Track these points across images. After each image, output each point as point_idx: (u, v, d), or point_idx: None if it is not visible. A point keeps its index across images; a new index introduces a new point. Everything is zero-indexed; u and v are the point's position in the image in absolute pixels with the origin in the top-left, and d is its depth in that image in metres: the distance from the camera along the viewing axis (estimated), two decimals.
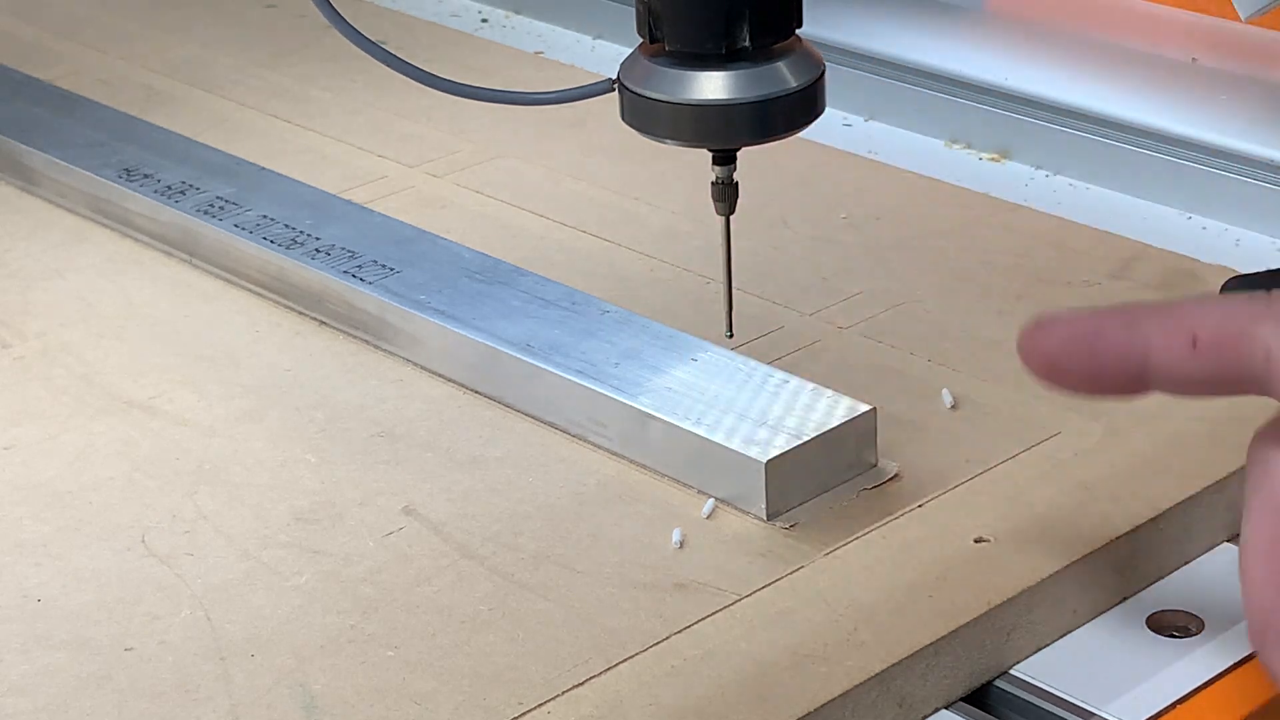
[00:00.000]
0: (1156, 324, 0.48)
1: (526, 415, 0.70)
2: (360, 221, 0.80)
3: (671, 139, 0.58)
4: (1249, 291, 0.52)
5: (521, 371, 0.69)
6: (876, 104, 0.95)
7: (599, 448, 0.68)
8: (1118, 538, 0.61)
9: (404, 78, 0.63)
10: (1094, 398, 0.50)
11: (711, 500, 0.64)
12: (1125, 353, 0.48)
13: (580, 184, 0.87)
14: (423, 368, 0.73)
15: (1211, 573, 0.62)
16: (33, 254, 0.83)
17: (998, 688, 0.59)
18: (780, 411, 0.65)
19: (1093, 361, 0.49)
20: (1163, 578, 0.62)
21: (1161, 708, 0.57)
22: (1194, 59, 0.90)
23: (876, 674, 0.56)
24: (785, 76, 0.57)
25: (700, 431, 0.64)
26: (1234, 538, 0.63)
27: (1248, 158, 0.84)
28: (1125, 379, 0.48)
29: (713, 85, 0.56)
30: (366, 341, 0.75)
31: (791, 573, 0.61)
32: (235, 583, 0.62)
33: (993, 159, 0.91)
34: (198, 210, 0.81)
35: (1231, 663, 0.59)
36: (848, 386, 0.66)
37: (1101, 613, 0.61)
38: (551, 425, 0.69)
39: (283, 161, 0.88)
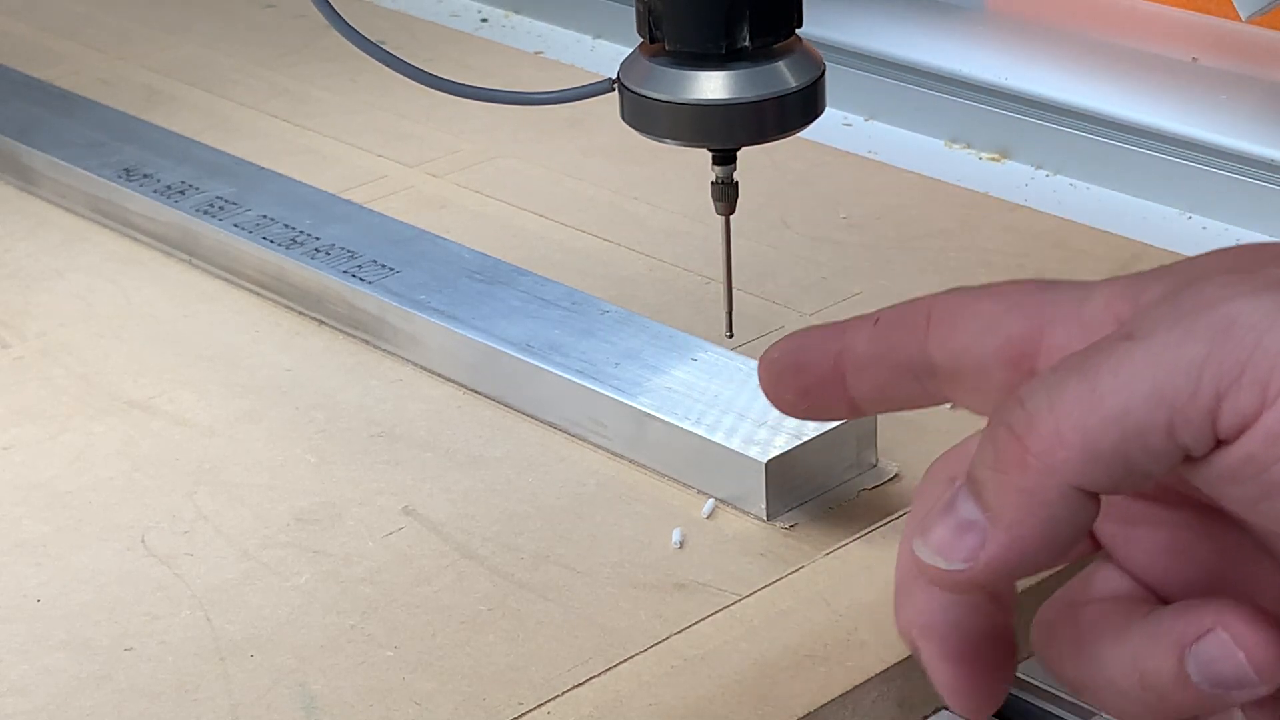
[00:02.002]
0: (856, 320, 0.48)
1: (526, 415, 0.70)
2: (360, 221, 0.80)
3: (671, 139, 0.58)
4: None
5: (521, 371, 0.69)
6: (876, 104, 0.95)
7: (599, 448, 0.68)
8: None
9: (404, 78, 0.63)
10: (813, 416, 0.50)
11: (711, 500, 0.64)
12: (824, 347, 0.48)
13: (580, 184, 0.87)
14: (423, 368, 0.73)
15: None
16: (33, 254, 0.83)
17: None
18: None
19: (799, 368, 0.49)
20: None
21: None
22: (1194, 59, 0.90)
23: (876, 674, 0.56)
24: (785, 76, 0.57)
25: (700, 431, 0.64)
26: None
27: (1248, 158, 0.84)
28: (827, 379, 0.48)
29: (713, 85, 0.56)
30: (366, 341, 0.75)
31: (791, 573, 0.61)
32: (235, 583, 0.62)
33: (993, 159, 0.91)
34: (197, 210, 0.81)
35: None
36: None
37: None
38: (551, 425, 0.69)
39: (283, 161, 0.88)
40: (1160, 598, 0.45)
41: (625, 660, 0.57)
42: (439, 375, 0.72)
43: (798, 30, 0.58)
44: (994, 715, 0.59)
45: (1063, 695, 0.58)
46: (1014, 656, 0.47)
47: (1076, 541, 0.42)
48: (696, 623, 0.59)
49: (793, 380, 0.49)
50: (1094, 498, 0.41)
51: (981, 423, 0.43)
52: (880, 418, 0.65)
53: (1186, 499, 0.44)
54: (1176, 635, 0.42)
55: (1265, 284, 0.40)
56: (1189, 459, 0.40)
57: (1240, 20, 0.83)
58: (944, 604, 0.46)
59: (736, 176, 0.61)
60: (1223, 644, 0.41)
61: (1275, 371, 0.39)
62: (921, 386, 0.47)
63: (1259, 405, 0.39)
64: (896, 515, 0.63)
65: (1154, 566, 0.45)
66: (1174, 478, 0.42)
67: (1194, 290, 0.41)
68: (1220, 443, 0.40)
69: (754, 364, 0.68)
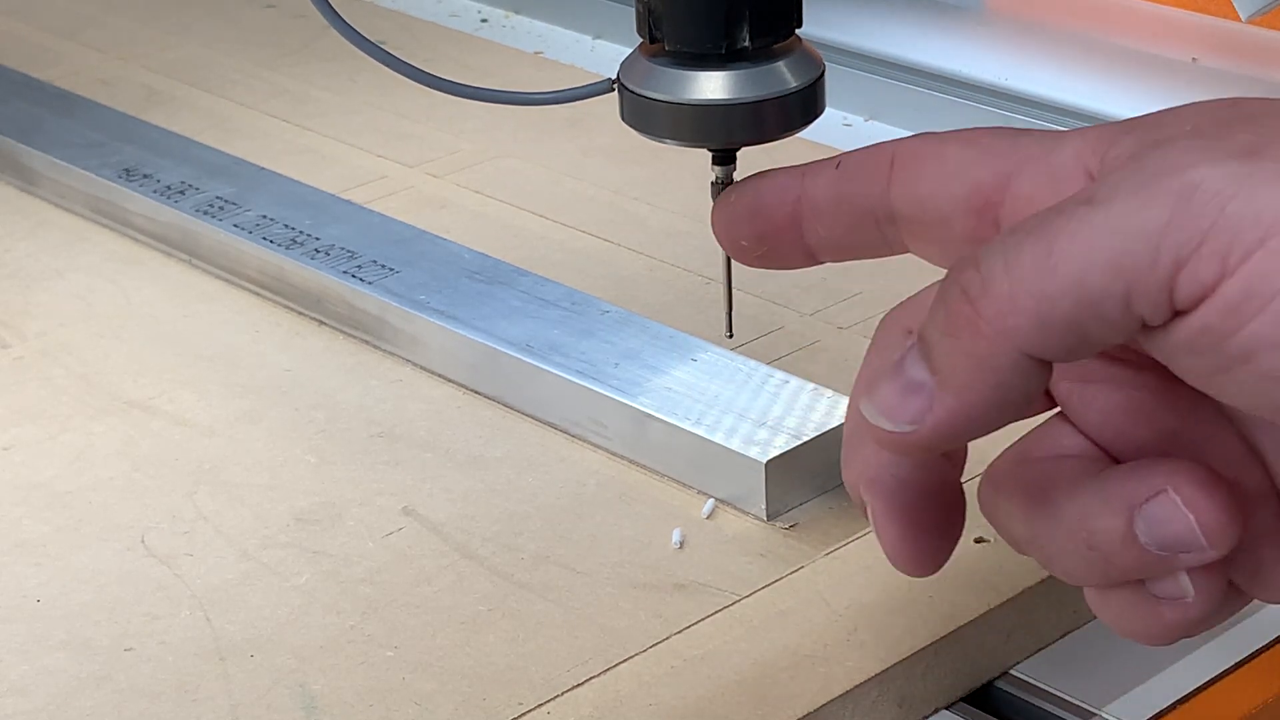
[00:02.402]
0: (817, 164, 0.47)
1: (526, 415, 0.70)
2: (360, 221, 0.80)
3: (671, 139, 0.58)
4: None
5: (521, 371, 0.69)
6: (876, 104, 0.95)
7: (599, 448, 0.68)
8: None
9: (404, 78, 0.63)
10: (768, 263, 0.49)
11: (711, 500, 0.64)
12: (783, 192, 0.48)
13: (580, 184, 0.87)
14: (423, 368, 0.73)
15: None
16: (33, 254, 0.83)
17: (998, 688, 0.59)
18: (780, 411, 0.65)
19: (756, 212, 0.48)
20: None
21: (1161, 708, 0.57)
22: (1194, 59, 0.90)
23: (876, 674, 0.56)
24: (785, 77, 0.57)
25: (700, 431, 0.64)
26: None
27: None
28: (784, 224, 0.47)
29: (712, 85, 0.56)
30: (366, 341, 0.75)
31: (791, 573, 0.61)
32: (235, 583, 0.62)
33: None
34: (197, 210, 0.81)
35: (1232, 663, 0.59)
36: (848, 386, 0.66)
37: None
38: (551, 425, 0.69)
39: (283, 161, 0.88)
40: (1113, 458, 0.44)
41: (625, 660, 0.57)
42: (439, 375, 0.73)
43: (798, 30, 0.58)
44: (993, 716, 0.59)
45: (1063, 695, 0.58)
46: (962, 515, 0.46)
47: (1026, 407, 0.41)
48: (696, 623, 0.59)
49: (748, 225, 0.48)
50: (1045, 365, 0.40)
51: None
52: None
53: (1145, 360, 0.43)
54: (1127, 495, 0.41)
55: (1231, 150, 0.39)
56: (1146, 328, 0.39)
57: (1240, 20, 0.83)
58: (892, 459, 0.45)
59: (736, 177, 0.61)
60: (1173, 506, 0.40)
61: (1236, 241, 0.37)
62: (881, 235, 0.46)
63: (1218, 275, 0.38)
64: None
65: (1108, 426, 0.44)
66: (1133, 340, 0.42)
67: (1158, 154, 0.39)
68: (1178, 313, 0.39)
69: (754, 364, 0.68)
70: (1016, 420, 0.41)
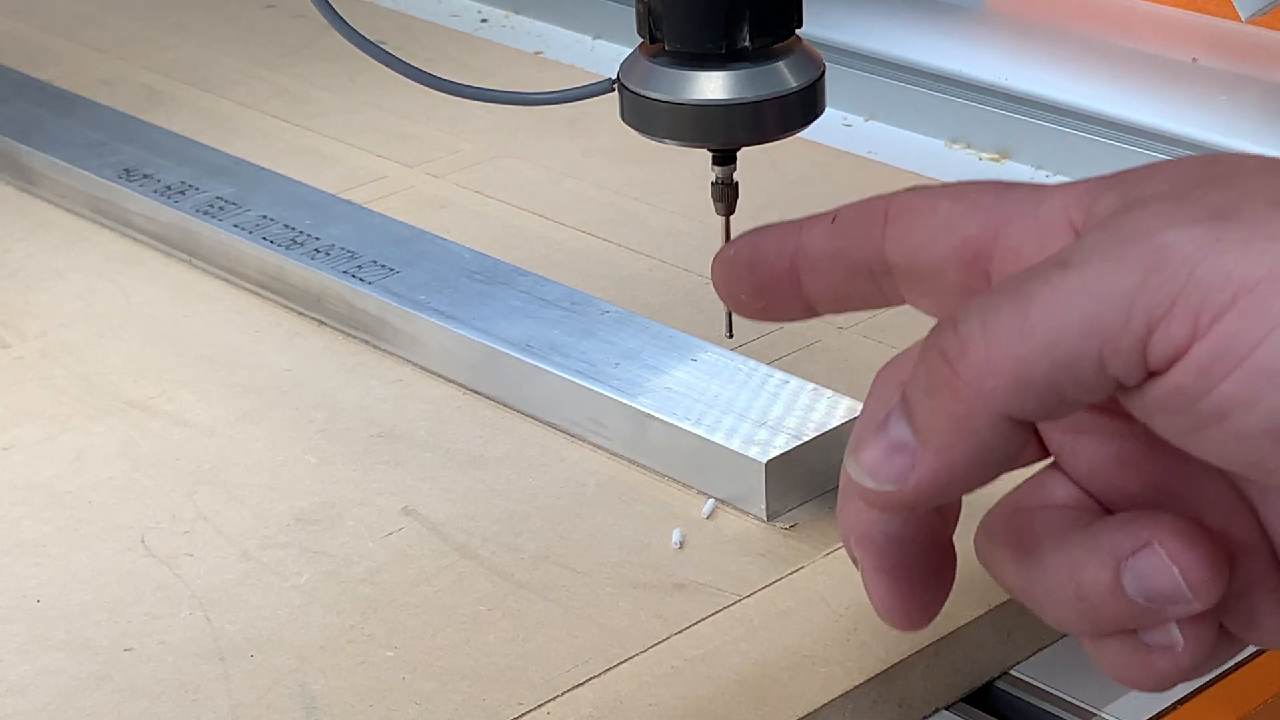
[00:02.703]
0: (813, 217, 0.48)
1: (526, 415, 0.70)
2: (360, 221, 0.80)
3: (671, 139, 0.58)
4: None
5: (521, 371, 0.69)
6: (876, 104, 0.95)
7: (599, 448, 0.68)
8: None
9: (404, 78, 0.63)
10: (767, 316, 0.50)
11: (711, 500, 0.64)
12: (780, 245, 0.48)
13: (580, 184, 0.87)
14: (423, 368, 0.73)
15: None
16: (33, 254, 0.83)
17: (998, 688, 0.59)
18: (780, 411, 0.65)
19: (754, 265, 0.48)
20: None
21: (1162, 708, 0.57)
22: (1194, 59, 0.90)
23: (876, 674, 0.56)
24: (785, 77, 0.57)
25: (700, 431, 0.64)
26: None
27: None
28: (782, 278, 0.48)
29: (712, 85, 0.56)
30: (366, 341, 0.75)
31: (791, 573, 0.61)
32: (235, 583, 0.62)
33: (993, 159, 0.91)
34: (197, 210, 0.81)
35: (1231, 663, 0.59)
36: (848, 386, 0.66)
37: None
38: (551, 425, 0.69)
39: (283, 161, 0.88)
40: (1105, 508, 0.45)
41: (625, 660, 0.57)
42: (439, 375, 0.72)
43: (798, 30, 0.58)
44: (993, 716, 0.59)
45: (1063, 695, 0.58)
46: (952, 570, 0.47)
47: (1008, 464, 0.41)
48: (696, 623, 0.59)
49: (747, 278, 0.48)
50: (1025, 424, 0.40)
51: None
52: None
53: None
54: (1114, 547, 0.42)
55: (1202, 212, 0.39)
56: (1122, 388, 0.40)
57: (1240, 20, 0.83)
58: (881, 515, 0.46)
59: (736, 177, 0.61)
60: (1158, 559, 0.41)
61: (1207, 303, 0.38)
62: (877, 287, 0.47)
63: (1190, 337, 0.38)
64: None
65: (1099, 476, 0.45)
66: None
67: (1133, 216, 0.40)
68: (1152, 374, 0.39)
69: (754, 364, 0.68)
70: (1000, 476, 0.42)
